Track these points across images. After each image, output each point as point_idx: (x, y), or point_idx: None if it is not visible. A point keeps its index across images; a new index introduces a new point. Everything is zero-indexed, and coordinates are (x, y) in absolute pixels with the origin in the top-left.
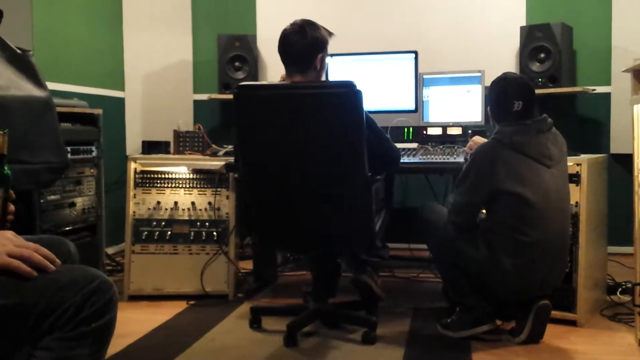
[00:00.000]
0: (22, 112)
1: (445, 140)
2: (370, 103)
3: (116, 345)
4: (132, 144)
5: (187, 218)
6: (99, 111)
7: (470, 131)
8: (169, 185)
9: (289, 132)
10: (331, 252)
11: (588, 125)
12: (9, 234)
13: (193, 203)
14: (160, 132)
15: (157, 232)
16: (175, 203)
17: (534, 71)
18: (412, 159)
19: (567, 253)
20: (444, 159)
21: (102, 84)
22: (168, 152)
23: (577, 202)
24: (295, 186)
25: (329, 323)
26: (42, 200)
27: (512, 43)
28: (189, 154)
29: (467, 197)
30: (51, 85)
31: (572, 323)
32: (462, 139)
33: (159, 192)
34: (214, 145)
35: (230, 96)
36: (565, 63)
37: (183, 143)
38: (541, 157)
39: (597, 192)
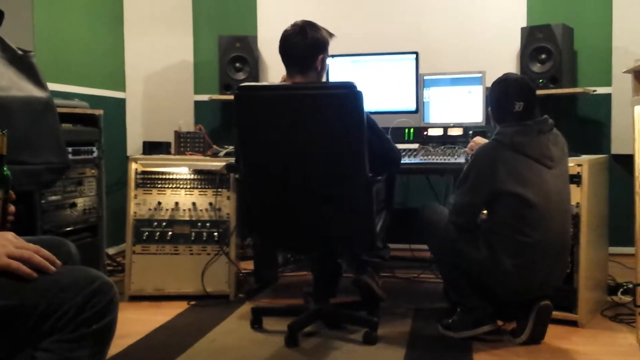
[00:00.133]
0: (23, 112)
1: (446, 141)
2: (371, 104)
3: (117, 345)
4: (133, 145)
5: (188, 218)
6: (99, 112)
7: (471, 132)
8: (170, 186)
9: (289, 133)
10: (332, 253)
11: (589, 126)
12: (10, 235)
13: (194, 203)
14: (161, 133)
15: (158, 233)
16: (176, 203)
17: (535, 72)
18: (412, 160)
19: (568, 253)
20: (444, 159)
21: (103, 84)
22: (169, 153)
23: (578, 203)
24: (296, 187)
25: (330, 323)
26: (43, 201)
27: (513, 44)
28: (190, 154)
29: (468, 198)
30: (52, 86)
31: (573, 323)
32: (462, 140)
33: (159, 192)
34: (214, 146)
35: (231, 97)
36: (566, 64)
37: (184, 144)
38: (542, 157)
39: (598, 192)
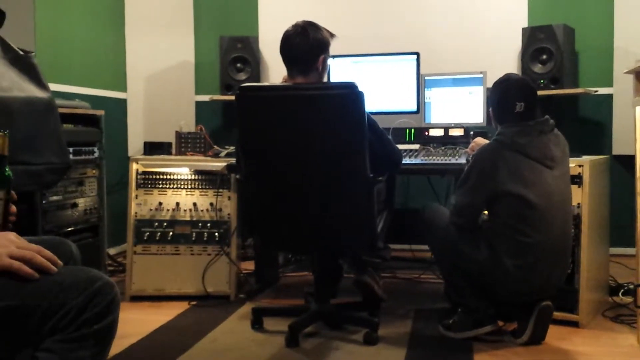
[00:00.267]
0: (24, 113)
1: (447, 141)
2: (372, 104)
3: (118, 345)
4: (134, 145)
5: (188, 219)
6: (101, 112)
7: (472, 132)
8: (171, 186)
9: (290, 134)
10: (333, 253)
11: (590, 126)
12: (11, 235)
13: (195, 204)
14: (162, 133)
15: (159, 233)
16: (177, 204)
17: (536, 72)
18: (413, 160)
19: (569, 254)
20: (445, 160)
21: (104, 85)
22: (170, 153)
23: (579, 204)
24: (297, 187)
25: (331, 324)
26: (44, 201)
27: (514, 44)
28: (191, 155)
29: (469, 198)
30: (53, 87)
31: (574, 324)
32: (464, 140)
33: (160, 193)
34: (215, 146)
35: (232, 97)
36: (567, 64)
37: (185, 144)
38: (543, 158)
39: (599, 193)
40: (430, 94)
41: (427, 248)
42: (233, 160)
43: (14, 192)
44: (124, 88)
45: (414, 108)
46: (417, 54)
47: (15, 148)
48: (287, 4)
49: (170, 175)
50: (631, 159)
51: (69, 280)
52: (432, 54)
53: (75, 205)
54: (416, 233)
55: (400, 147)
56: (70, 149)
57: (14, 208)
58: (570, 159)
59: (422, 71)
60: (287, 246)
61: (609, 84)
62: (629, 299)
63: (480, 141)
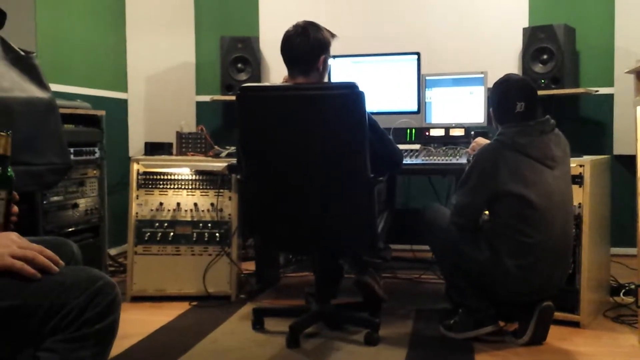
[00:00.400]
0: (25, 113)
1: (447, 141)
2: (372, 104)
3: (118, 346)
4: (135, 145)
5: (189, 219)
6: (101, 112)
7: (472, 132)
8: (172, 187)
9: (291, 134)
10: (333, 254)
11: (591, 126)
12: (13, 235)
13: (195, 204)
14: (162, 134)
15: (160, 233)
16: (178, 204)
17: (537, 72)
18: (414, 160)
19: (570, 254)
20: (446, 160)
21: (105, 85)
22: (171, 154)
23: (580, 204)
24: (297, 187)
25: (332, 324)
26: (45, 202)
27: (515, 44)
28: (192, 155)
29: (470, 199)
30: (54, 87)
31: (575, 324)
32: (464, 140)
33: (161, 193)
34: (216, 147)
35: (233, 97)
36: (568, 64)
37: (186, 144)
38: (544, 158)
39: (600, 193)
40: (431, 94)
41: (427, 248)
42: (234, 160)
43: (15, 192)
44: (124, 88)
45: (414, 108)
46: (418, 54)
47: (16, 148)
48: (287, 4)
49: (171, 175)
50: (632, 158)
51: (70, 280)
52: (433, 54)
53: (76, 205)
54: (417, 233)
55: (401, 147)
56: (71, 150)
57: (15, 208)
58: (571, 158)
59: (422, 71)
60: (288, 246)
61: (610, 83)
62: (630, 299)
63: (481, 141)
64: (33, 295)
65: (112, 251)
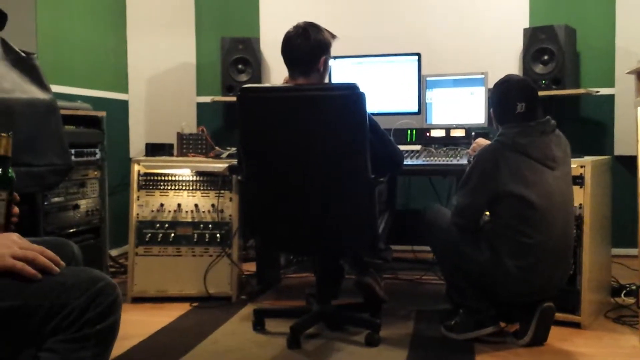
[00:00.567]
0: (26, 114)
1: (448, 142)
2: (373, 105)
3: (119, 347)
4: (136, 146)
5: (190, 220)
6: (102, 114)
7: (473, 133)
8: (173, 188)
9: (292, 134)
10: (334, 254)
11: (592, 127)
12: (14, 236)
13: (196, 205)
14: (163, 135)
15: (161, 234)
16: (179, 205)
17: (538, 73)
18: (415, 161)
19: (570, 255)
20: (447, 161)
21: (106, 86)
22: (171, 155)
23: (580, 204)
24: (298, 188)
25: (332, 325)
26: (46, 203)
27: (516, 45)
28: (192, 156)
29: (470, 199)
30: (55, 88)
31: (576, 325)
32: (465, 141)
33: (162, 194)
34: (217, 148)
35: (234, 98)
36: (569, 65)
37: (186, 145)
38: (545, 159)
39: (601, 194)
40: (431, 95)
41: (428, 249)
42: (234, 161)
43: (16, 193)
44: (125, 89)
45: (415, 109)
46: (419, 54)
47: (17, 149)
48: (288, 5)
49: (171, 176)
50: (633, 159)
51: (71, 280)
52: (433, 54)
53: (77, 206)
54: (418, 234)
55: (402, 148)
56: (72, 151)
57: (16, 209)
58: (572, 159)
59: (423, 72)
60: (288, 247)
61: (611, 84)
62: (631, 300)
63: (482, 142)
64: (34, 296)
65: (113, 252)
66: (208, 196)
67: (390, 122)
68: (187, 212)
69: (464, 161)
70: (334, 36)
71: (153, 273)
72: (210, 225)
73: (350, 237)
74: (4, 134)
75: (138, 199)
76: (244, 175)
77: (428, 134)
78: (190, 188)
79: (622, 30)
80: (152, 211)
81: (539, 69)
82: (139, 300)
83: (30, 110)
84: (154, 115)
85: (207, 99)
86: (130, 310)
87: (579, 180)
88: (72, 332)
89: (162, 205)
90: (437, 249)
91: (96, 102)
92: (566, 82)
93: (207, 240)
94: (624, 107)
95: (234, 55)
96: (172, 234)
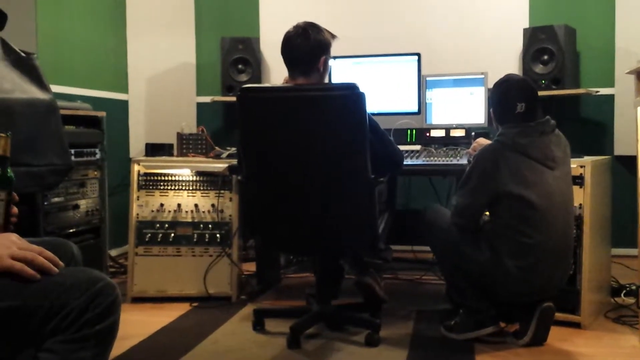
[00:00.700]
0: (26, 114)
1: (448, 142)
2: (373, 105)
3: (119, 347)
4: (136, 147)
5: (190, 220)
6: (102, 114)
7: (473, 133)
8: (172, 188)
9: (292, 134)
10: (334, 254)
11: (592, 127)
12: (13, 236)
13: (196, 205)
14: (163, 135)
15: (161, 234)
16: (179, 205)
17: (537, 73)
18: (415, 161)
19: (570, 255)
20: (447, 161)
21: (106, 86)
22: (171, 155)
23: (580, 204)
24: (298, 188)
25: (332, 325)
26: (45, 203)
27: (515, 45)
28: (192, 156)
29: (470, 199)
30: (55, 88)
31: (576, 325)
32: (465, 141)
33: (162, 194)
34: (217, 148)
35: (234, 98)
36: (569, 65)
37: (186, 145)
38: (544, 159)
39: (601, 194)
40: (431, 95)
41: (428, 249)
42: (234, 161)
43: (15, 194)
44: (125, 89)
45: (415, 109)
46: (418, 54)
47: (16, 149)
48: (288, 5)
49: (171, 176)
50: (633, 159)
51: (70, 281)
52: (433, 54)
53: (76, 206)
54: (417, 234)
55: (402, 148)
56: (72, 151)
57: (15, 209)
58: (572, 159)
59: (423, 72)
60: (289, 247)
61: (611, 84)
62: (631, 300)
63: (483, 141)
64: (33, 296)
65: (113, 252)
66: (208, 196)
67: (390, 122)
68: (187, 212)
69: (464, 161)
70: (333, 36)
71: (153, 273)
72: (210, 225)
73: (350, 237)
74: (2, 134)
75: (138, 199)
76: (244, 175)
77: (428, 134)
78: (190, 188)
79: (621, 30)
80: (152, 211)
81: (538, 69)
82: (139, 300)
83: (30, 110)
84: (153, 115)
85: (207, 99)
86: (130, 310)
87: (578, 180)
88: (72, 333)
89: (162, 205)
90: (437, 249)
91: (96, 102)
92: (566, 82)
93: (207, 240)
94: (624, 107)
95: (233, 55)
96: (172, 234)
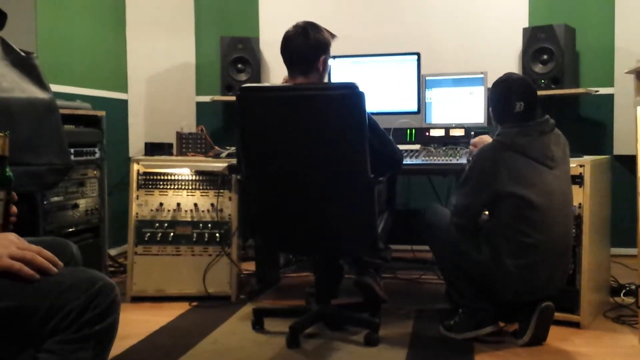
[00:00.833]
0: (25, 114)
1: (447, 141)
2: (372, 105)
3: (118, 346)
4: (135, 146)
5: (189, 219)
6: (102, 113)
7: (472, 133)
8: (172, 187)
9: (291, 134)
10: (334, 254)
11: (591, 126)
12: (12, 236)
13: (196, 204)
14: (163, 134)
15: (160, 234)
16: (178, 204)
17: (537, 72)
18: (414, 161)
19: (570, 254)
20: (446, 160)
21: (105, 86)
22: (171, 154)
23: (580, 204)
24: (297, 188)
25: (332, 325)
26: (45, 202)
27: (515, 44)
28: (192, 155)
29: (470, 199)
30: (54, 88)
31: (576, 325)
32: (464, 141)
33: (161, 193)
34: (216, 147)
35: (233, 98)
36: (568, 64)
37: (186, 145)
38: (544, 158)
39: (600, 193)
40: (431, 94)
41: (428, 249)
42: (234, 160)
43: (15, 193)
44: (124, 89)
45: (414, 108)
46: (418, 54)
47: (16, 149)
48: (287, 5)
49: (171, 175)
50: (632, 159)
51: (69, 281)
52: (433, 54)
53: (76, 206)
54: (417, 234)
55: (401, 147)
56: (72, 150)
57: (14, 209)
58: (572, 159)
59: (422, 71)
60: (288, 247)
61: (610, 84)
62: (630, 300)
63: (486, 138)
64: (32, 296)
65: (112, 251)
66: (207, 195)
67: (389, 122)
68: (186, 211)
69: (464, 160)
70: (333, 36)
71: (152, 272)
72: (209, 225)
73: (349, 237)
74: (1, 134)
75: (137, 198)
76: (243, 175)
77: (427, 134)
78: (190, 187)
79: (621, 29)
80: (152, 210)
81: (538, 68)
82: (138, 299)
83: (30, 109)
84: (153, 114)
85: (206, 99)
86: (130, 309)
87: (578, 179)
88: (71, 333)
89: (161, 204)
90: (436, 248)
91: (95, 102)
92: (565, 81)
93: (206, 239)
94: (623, 107)
95: (233, 54)
96: (172, 234)
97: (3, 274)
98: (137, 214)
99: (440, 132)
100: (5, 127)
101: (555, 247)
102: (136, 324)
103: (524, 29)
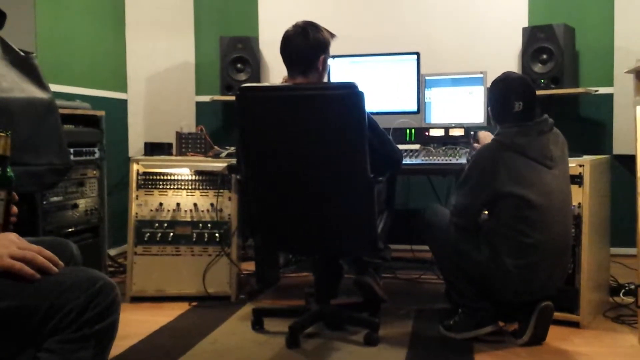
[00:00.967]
0: (25, 114)
1: (447, 141)
2: (372, 104)
3: (118, 346)
4: (135, 146)
5: (189, 219)
6: (101, 113)
7: (472, 132)
8: (172, 187)
9: (291, 134)
10: (334, 254)
11: (590, 126)
12: (12, 236)
13: (195, 204)
14: (162, 134)
15: (160, 234)
16: (178, 204)
17: (537, 72)
18: (414, 160)
19: (569, 254)
20: (446, 160)
21: (105, 85)
22: (170, 154)
23: (579, 203)
24: (297, 187)
25: (331, 324)
26: (44, 202)
27: (515, 44)
28: (192, 155)
29: (469, 199)
30: (54, 87)
31: (575, 324)
32: (464, 140)
33: (161, 193)
34: (216, 147)
35: (233, 98)
36: (568, 64)
37: (185, 144)
38: (543, 158)
39: (600, 193)
40: (430, 94)
41: (427, 248)
42: (234, 160)
43: (15, 193)
44: (124, 89)
45: (414, 108)
46: (418, 54)
47: (16, 149)
48: (287, 5)
49: (170, 175)
50: (632, 158)
51: (69, 280)
52: (433, 53)
53: (75, 206)
54: (417, 233)
55: (401, 147)
56: (71, 150)
57: (14, 209)
58: (571, 158)
59: (422, 71)
60: (288, 247)
61: (610, 83)
62: (630, 299)
63: (488, 135)
64: (32, 296)
65: (112, 252)
66: (207, 195)
67: (389, 121)
68: (186, 211)
69: (463, 160)
70: (333, 35)
71: (152, 272)
72: (209, 225)
73: (349, 237)
74: (2, 133)
75: (137, 198)
76: (243, 175)
77: (427, 133)
78: (189, 187)
79: (621, 29)
80: (151, 210)
81: (537, 68)
82: (138, 299)
83: (29, 109)
84: (153, 114)
85: (206, 98)
86: (129, 309)
87: (577, 179)
88: (71, 333)
89: (161, 204)
90: (436, 248)
91: (95, 102)
92: (565, 81)
93: (206, 239)
94: (623, 106)
95: (233, 54)
96: (171, 234)
97: (4, 273)
98: (136, 214)
99: (439, 132)
100: (4, 127)
101: (554, 247)
102: (136, 324)
103: (524, 29)
